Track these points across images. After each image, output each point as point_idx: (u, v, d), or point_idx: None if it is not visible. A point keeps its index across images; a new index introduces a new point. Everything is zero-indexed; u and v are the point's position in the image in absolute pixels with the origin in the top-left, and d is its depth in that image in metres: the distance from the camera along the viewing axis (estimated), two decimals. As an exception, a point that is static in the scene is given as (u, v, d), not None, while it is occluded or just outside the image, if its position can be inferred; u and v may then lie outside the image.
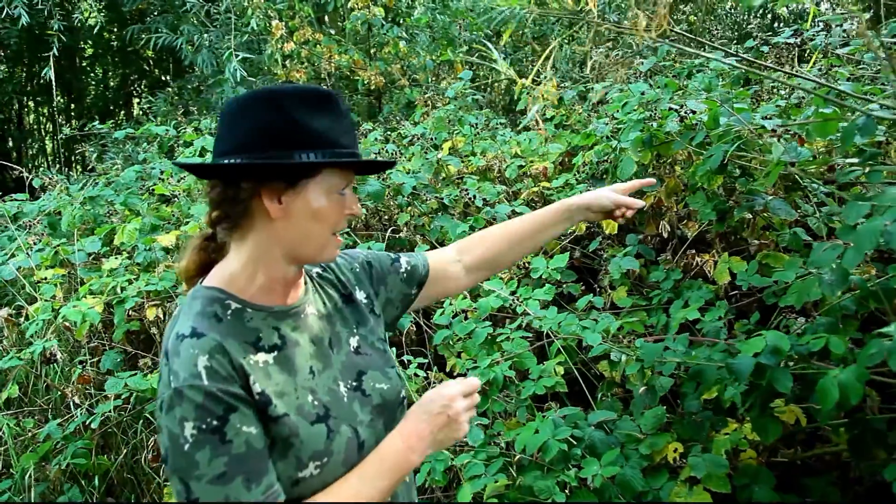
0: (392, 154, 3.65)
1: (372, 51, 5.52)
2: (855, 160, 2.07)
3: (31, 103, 9.98)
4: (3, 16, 5.55)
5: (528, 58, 5.37)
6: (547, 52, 1.66)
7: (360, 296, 1.35)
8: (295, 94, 1.11)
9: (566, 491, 1.96)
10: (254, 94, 1.13)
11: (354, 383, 1.22)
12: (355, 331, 1.29)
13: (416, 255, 1.48)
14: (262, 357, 1.11)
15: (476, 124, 3.72)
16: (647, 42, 2.52)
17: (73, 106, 9.56)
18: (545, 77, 3.07)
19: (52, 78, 5.59)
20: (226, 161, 1.11)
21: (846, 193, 2.43)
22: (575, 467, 2.01)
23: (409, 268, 1.45)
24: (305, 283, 1.27)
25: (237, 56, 4.74)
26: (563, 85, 3.80)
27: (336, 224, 1.17)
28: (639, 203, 1.53)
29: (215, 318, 1.11)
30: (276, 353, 1.13)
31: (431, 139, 3.64)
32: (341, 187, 1.16)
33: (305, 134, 1.10)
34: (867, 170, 2.01)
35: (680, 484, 1.98)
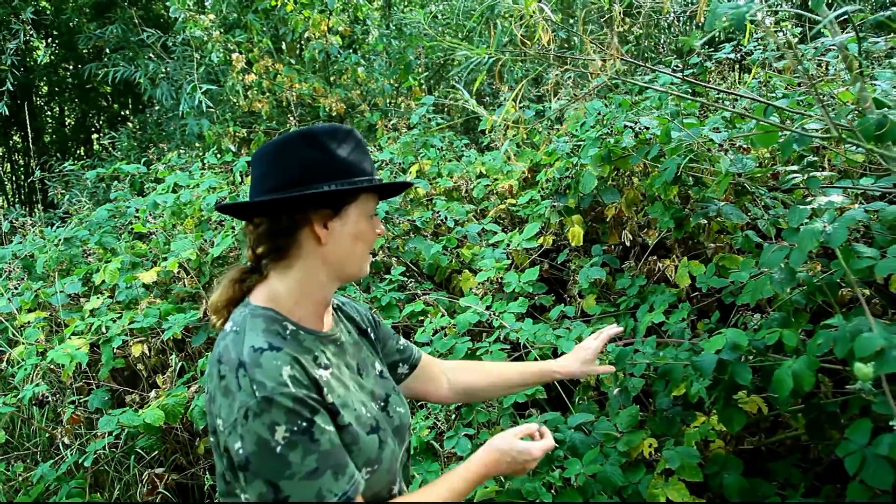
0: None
1: (331, 78, 5.64)
2: (795, 168, 2.26)
3: (-15, 144, 9.83)
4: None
5: (487, 82, 5.56)
6: (516, 90, 1.81)
7: (371, 335, 1.50)
8: (327, 132, 1.27)
9: (552, 491, 2.09)
10: (291, 135, 1.27)
11: (382, 403, 1.36)
12: (374, 358, 1.44)
13: (412, 345, 1.67)
14: (322, 373, 1.23)
15: (442, 147, 3.87)
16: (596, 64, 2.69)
17: (30, 145, 9.45)
18: (504, 98, 3.21)
19: (25, 116, 5.58)
20: (278, 196, 1.22)
21: (789, 197, 2.63)
22: (559, 468, 2.14)
23: (405, 345, 1.63)
24: (332, 313, 1.40)
25: (201, 89, 4.81)
26: (521, 105, 3.96)
27: (371, 243, 1.34)
28: (610, 369, 1.83)
29: (280, 336, 1.22)
30: (329, 370, 1.26)
31: (399, 163, 3.77)
32: (373, 211, 1.33)
33: (342, 165, 1.25)
34: (806, 176, 2.19)
35: (656, 476, 2.13)
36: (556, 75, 3.10)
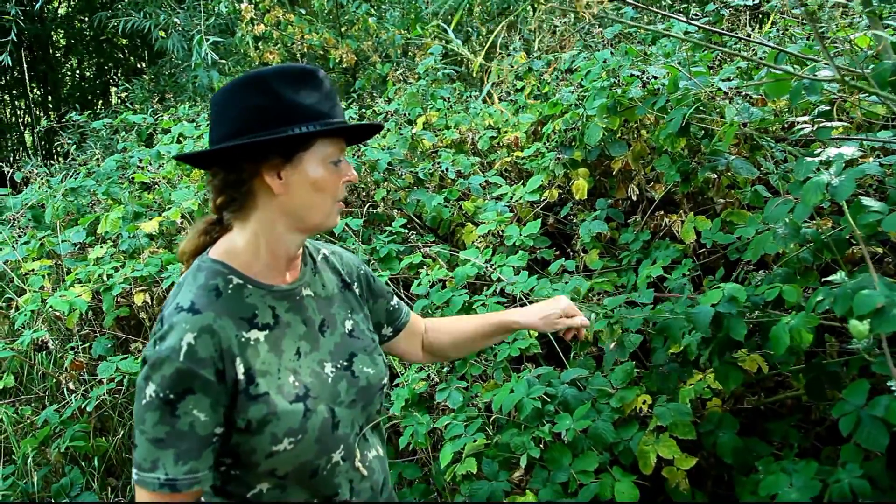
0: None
1: (343, 28, 5.53)
2: (805, 118, 2.15)
3: (6, 97, 9.91)
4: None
5: (489, 31, 5.41)
6: (495, 33, 1.73)
7: (356, 290, 1.43)
8: (278, 74, 1.18)
9: (541, 446, 2.07)
10: (239, 80, 1.20)
11: (345, 363, 1.30)
12: (350, 315, 1.38)
13: (405, 306, 1.60)
14: (254, 334, 1.19)
15: (448, 98, 3.78)
16: (608, 13, 2.58)
17: (49, 98, 9.49)
18: (513, 48, 3.12)
19: (25, 69, 5.57)
20: (215, 147, 1.18)
21: (800, 150, 2.52)
22: (549, 423, 2.11)
23: (396, 306, 1.56)
24: (306, 263, 1.35)
25: (208, 40, 4.75)
26: (531, 56, 3.84)
27: (335, 192, 1.24)
28: (585, 322, 1.66)
29: (216, 292, 1.18)
30: (267, 331, 1.21)
31: (405, 115, 3.70)
32: (335, 157, 1.23)
33: (294, 109, 1.17)
34: (816, 127, 2.09)
35: (648, 433, 2.09)
36: (565, 23, 2.99)
